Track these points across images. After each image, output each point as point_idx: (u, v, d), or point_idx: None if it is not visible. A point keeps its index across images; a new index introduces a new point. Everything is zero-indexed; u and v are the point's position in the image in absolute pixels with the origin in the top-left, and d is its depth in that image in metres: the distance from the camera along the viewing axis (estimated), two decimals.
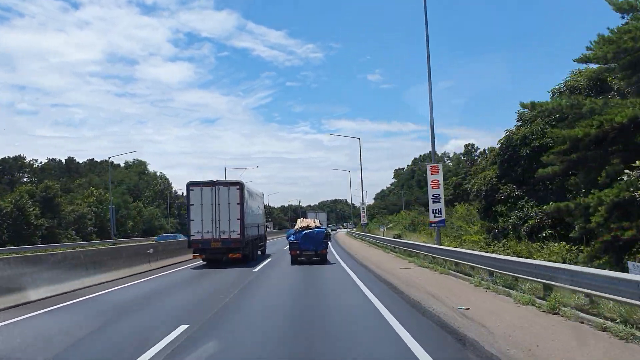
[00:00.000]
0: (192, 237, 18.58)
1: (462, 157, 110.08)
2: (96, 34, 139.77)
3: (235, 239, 18.52)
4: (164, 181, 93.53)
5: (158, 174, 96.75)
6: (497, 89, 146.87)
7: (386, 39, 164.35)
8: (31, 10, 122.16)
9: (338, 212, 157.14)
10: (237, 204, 18.67)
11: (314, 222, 20.26)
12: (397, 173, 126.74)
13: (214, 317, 8.29)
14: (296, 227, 19.71)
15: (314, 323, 7.88)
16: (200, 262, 19.83)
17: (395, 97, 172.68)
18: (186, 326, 7.30)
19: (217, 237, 18.47)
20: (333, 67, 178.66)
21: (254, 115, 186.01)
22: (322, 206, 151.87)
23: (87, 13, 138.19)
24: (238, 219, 18.53)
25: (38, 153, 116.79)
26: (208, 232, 18.46)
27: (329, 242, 21.77)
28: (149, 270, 17.32)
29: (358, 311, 8.90)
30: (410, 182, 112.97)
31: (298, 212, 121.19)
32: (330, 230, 25.01)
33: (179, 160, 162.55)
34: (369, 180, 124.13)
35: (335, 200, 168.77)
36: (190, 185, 18.93)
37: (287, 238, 20.10)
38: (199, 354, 5.87)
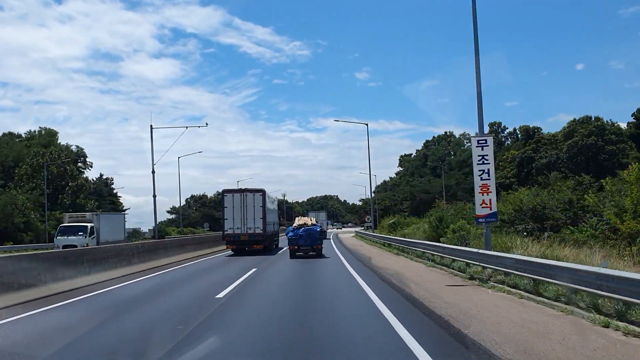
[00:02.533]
0: (225, 232, 25.29)
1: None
2: (79, 29, 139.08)
3: (258, 234, 25.27)
4: (61, 151, 63.85)
5: (74, 148, 69.34)
6: (485, 87, 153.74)
7: (375, 37, 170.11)
8: (10, 3, 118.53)
9: (329, 210, 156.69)
10: (260, 206, 25.45)
11: (311, 220, 23.14)
12: (405, 160, 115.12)
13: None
14: (294, 224, 22.66)
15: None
16: (227, 253, 26.34)
17: (383, 96, 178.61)
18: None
19: (245, 232, 25.20)
20: (320, 64, 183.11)
21: (240, 113, 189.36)
22: (311, 203, 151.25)
23: (69, 7, 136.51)
24: (261, 218, 25.30)
25: None
26: (238, 228, 25.20)
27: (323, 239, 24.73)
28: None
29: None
30: (421, 170, 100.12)
31: (282, 207, 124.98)
32: (336, 228, 30.35)
33: (164, 159, 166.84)
34: (358, 178, 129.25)
35: (326, 196, 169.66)
36: (225, 192, 25.90)
37: (287, 235, 23.10)
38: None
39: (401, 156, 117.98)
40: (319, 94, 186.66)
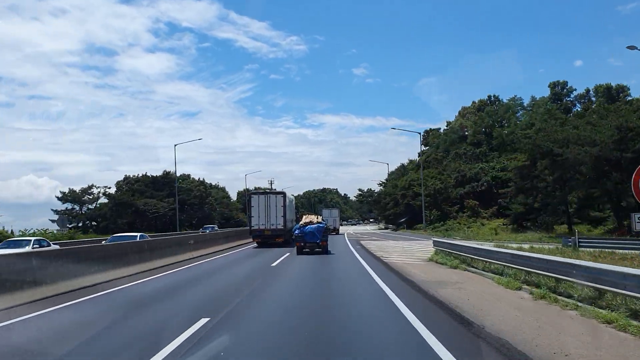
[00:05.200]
0: (252, 227, 31.09)
1: (549, 104, 71.96)
2: (73, 23, 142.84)
3: (280, 229, 30.97)
4: None
5: None
6: (481, 83, 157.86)
7: (372, 33, 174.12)
8: None
9: (327, 203, 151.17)
10: (282, 206, 31.14)
11: (317, 218, 24.85)
12: (433, 135, 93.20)
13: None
14: (301, 222, 24.26)
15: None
16: (253, 245, 32.00)
17: (380, 92, 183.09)
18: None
19: (268, 228, 30.96)
20: (317, 60, 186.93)
21: (237, 109, 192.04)
22: (307, 196, 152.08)
23: (63, 1, 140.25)
24: (282, 216, 31.02)
25: (13, 147, 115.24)
26: (262, 224, 30.93)
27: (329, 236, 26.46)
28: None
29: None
30: (459, 145, 76.41)
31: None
32: (351, 225, 30.07)
33: (159, 154, 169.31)
34: (354, 175, 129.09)
35: (324, 189, 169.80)
36: (252, 194, 31.87)
37: (293, 232, 24.95)
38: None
39: (426, 131, 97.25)
40: (315, 90, 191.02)
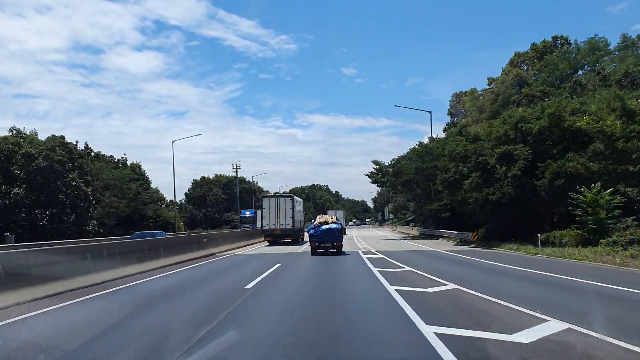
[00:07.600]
0: (264, 227, 34.84)
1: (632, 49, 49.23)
2: (58, 20, 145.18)
3: (288, 229, 34.80)
4: None
5: None
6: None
7: (362, 32, 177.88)
8: None
9: (317, 201, 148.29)
10: (290, 208, 34.99)
11: (332, 218, 24.39)
12: (470, 96, 64.46)
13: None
14: (315, 222, 24.23)
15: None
16: (265, 244, 35.71)
17: (370, 92, 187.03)
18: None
19: (278, 227, 34.78)
20: (307, 59, 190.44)
21: (226, 108, 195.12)
22: (293, 192, 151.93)
23: None
24: (290, 217, 34.93)
25: None
26: (273, 224, 34.75)
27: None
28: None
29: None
30: (510, 107, 44.57)
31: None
32: (355, 226, 31.07)
33: (147, 154, 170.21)
34: (344, 176, 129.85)
35: (314, 186, 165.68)
36: (263, 197, 35.61)
37: (308, 232, 25.06)
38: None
39: (455, 94, 73.46)
40: (305, 90, 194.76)
